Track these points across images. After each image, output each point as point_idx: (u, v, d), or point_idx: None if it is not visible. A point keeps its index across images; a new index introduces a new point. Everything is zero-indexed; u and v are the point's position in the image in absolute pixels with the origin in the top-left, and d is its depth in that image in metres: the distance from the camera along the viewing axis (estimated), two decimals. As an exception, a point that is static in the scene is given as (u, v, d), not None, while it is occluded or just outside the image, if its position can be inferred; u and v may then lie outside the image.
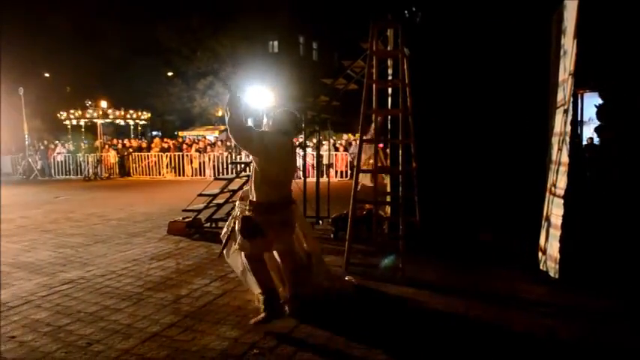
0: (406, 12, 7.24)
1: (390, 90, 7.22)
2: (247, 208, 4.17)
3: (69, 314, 4.53)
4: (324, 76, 9.32)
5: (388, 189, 7.41)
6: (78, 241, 7.88)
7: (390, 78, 7.17)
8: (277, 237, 4.22)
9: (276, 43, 40.50)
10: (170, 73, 35.85)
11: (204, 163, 21.73)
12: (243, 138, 4.04)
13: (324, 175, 14.59)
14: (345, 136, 23.02)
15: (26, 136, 23.77)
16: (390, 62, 7.28)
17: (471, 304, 4.66)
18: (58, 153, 24.39)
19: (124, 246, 7.44)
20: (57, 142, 26.43)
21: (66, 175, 23.72)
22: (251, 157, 4.25)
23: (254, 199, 4.13)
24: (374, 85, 6.11)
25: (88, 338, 3.97)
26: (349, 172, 20.20)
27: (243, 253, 4.26)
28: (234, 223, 4.27)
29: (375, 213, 6.64)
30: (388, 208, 7.63)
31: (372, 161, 7.03)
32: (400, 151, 6.26)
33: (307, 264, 4.61)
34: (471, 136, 6.80)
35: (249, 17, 34.57)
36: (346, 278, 5.31)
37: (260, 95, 26.96)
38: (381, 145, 7.80)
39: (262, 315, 4.16)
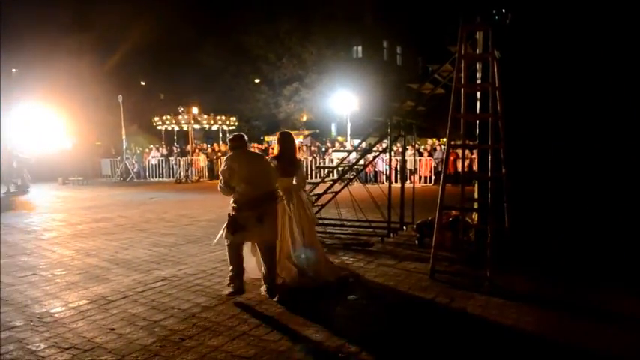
0: (495, 13, 7.04)
1: (478, 94, 7.04)
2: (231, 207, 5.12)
3: (163, 310, 4.77)
4: (408, 80, 9.25)
5: (476, 195, 7.22)
6: (171, 240, 8.26)
7: (478, 81, 6.99)
8: (257, 231, 5.07)
9: (360, 48, 40.59)
10: (257, 80, 36.83)
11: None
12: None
13: (408, 181, 14.40)
14: (429, 141, 22.66)
15: (124, 140, 25.24)
16: (478, 65, 7.10)
17: (564, 319, 4.45)
18: (153, 157, 25.69)
19: (214, 246, 7.70)
20: (151, 146, 27.85)
21: (159, 177, 24.94)
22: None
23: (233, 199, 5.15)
24: (462, 89, 5.98)
25: (181, 333, 4.16)
26: (433, 177, 19.90)
27: (225, 240, 5.19)
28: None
29: (461, 220, 6.49)
30: (475, 215, 7.43)
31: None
32: (489, 157, 6.07)
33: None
34: (565, 141, 6.48)
35: (334, 23, 34.89)
36: (342, 274, 5.79)
37: (344, 100, 27.16)
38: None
39: (229, 290, 5.16)
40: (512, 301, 4.90)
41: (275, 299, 4.99)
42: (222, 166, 5.24)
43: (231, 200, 5.15)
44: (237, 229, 5.05)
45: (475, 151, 15.27)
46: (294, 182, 5.70)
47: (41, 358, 3.74)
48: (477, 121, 6.90)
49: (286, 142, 5.78)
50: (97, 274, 6.10)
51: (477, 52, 6.95)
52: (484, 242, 5.88)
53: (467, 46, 6.36)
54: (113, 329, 4.29)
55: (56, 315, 4.67)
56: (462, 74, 5.96)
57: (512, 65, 6.61)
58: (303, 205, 5.72)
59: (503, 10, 7.00)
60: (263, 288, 5.21)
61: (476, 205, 7.06)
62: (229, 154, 5.34)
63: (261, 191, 5.10)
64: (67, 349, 3.90)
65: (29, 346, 3.96)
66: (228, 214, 5.12)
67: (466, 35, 6.12)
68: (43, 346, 3.97)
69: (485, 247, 5.73)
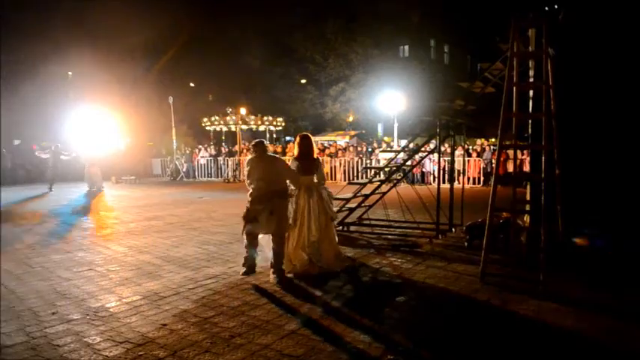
0: (547, 9, 6.84)
1: (531, 92, 6.85)
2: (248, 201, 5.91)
3: (213, 307, 4.85)
4: (456, 79, 9.11)
5: (527, 197, 7.03)
6: (220, 239, 8.39)
7: (531, 80, 6.81)
8: (267, 222, 5.79)
9: (406, 47, 40.21)
10: (303, 81, 37.05)
11: (335, 167, 22.13)
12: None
13: (456, 182, 14.18)
14: (478, 141, 22.23)
15: (174, 140, 25.80)
16: (531, 63, 6.92)
17: (621, 326, 4.29)
18: (202, 157, 26.16)
19: (261, 246, 7.78)
20: (200, 146, 28.39)
21: (208, 177, 25.38)
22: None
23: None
24: (514, 88, 5.84)
25: (230, 331, 4.22)
26: (482, 178, 19.53)
27: (244, 229, 5.91)
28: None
29: (512, 222, 6.34)
30: (527, 217, 7.24)
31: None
32: (543, 157, 5.90)
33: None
34: (623, 141, 6.24)
35: (381, 23, 34.72)
36: (348, 264, 6.43)
37: (391, 100, 26.98)
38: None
39: (244, 270, 5.96)
40: (567, 306, 4.76)
41: (280, 286, 5.52)
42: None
43: (248, 194, 5.93)
44: (250, 219, 5.83)
45: (525, 152, 14.93)
46: (314, 180, 6.30)
47: (97, 351, 3.87)
48: (530, 121, 6.73)
49: (304, 144, 6.35)
50: (150, 271, 6.26)
51: (530, 49, 6.78)
52: (536, 245, 5.73)
53: (519, 44, 6.20)
54: (165, 325, 4.39)
55: (111, 309, 4.82)
56: (514, 72, 5.82)
57: (567, 62, 6.41)
58: (323, 202, 6.28)
59: (556, 6, 6.80)
60: (272, 277, 5.76)
61: (528, 207, 6.88)
62: (250, 156, 6.10)
63: (271, 188, 5.79)
64: (121, 343, 4.02)
65: (85, 339, 4.09)
66: (246, 207, 5.90)
67: (518, 32, 5.96)
68: (98, 339, 4.10)
69: (538, 251, 5.57)
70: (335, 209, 6.80)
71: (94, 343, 4.03)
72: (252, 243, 5.94)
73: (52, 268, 6.47)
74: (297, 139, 6.47)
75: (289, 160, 6.58)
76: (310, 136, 6.54)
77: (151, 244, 8.00)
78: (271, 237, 5.89)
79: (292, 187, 6.17)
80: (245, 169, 6.10)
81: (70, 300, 5.14)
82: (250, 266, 5.97)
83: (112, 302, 5.05)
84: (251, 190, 5.90)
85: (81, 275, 6.12)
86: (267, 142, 6.22)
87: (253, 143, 6.13)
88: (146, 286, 5.61)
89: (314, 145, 6.44)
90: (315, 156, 6.40)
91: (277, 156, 6.48)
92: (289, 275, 5.95)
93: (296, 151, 6.38)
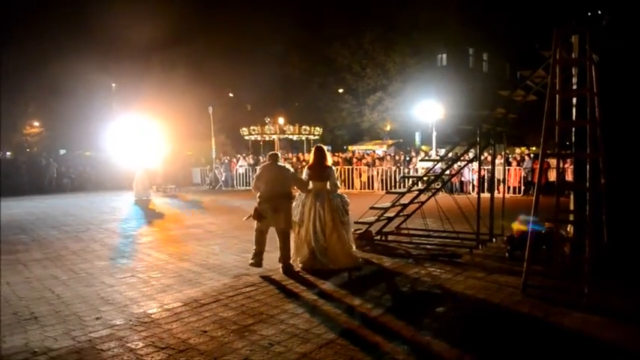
0: (590, 15, 6.70)
1: (574, 100, 6.70)
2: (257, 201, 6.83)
3: (252, 315, 4.88)
4: (495, 87, 8.98)
5: (571, 206, 6.86)
6: (258, 247, 8.45)
7: (574, 87, 6.66)
8: (273, 219, 6.73)
9: (444, 56, 39.89)
10: (341, 90, 37.13)
11: (372, 176, 22.03)
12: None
13: (496, 191, 13.94)
14: (517, 150, 21.83)
15: (213, 149, 26.18)
16: (574, 70, 6.77)
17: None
18: (240, 166, 26.45)
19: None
20: (238, 155, 28.73)
21: (246, 186, 25.60)
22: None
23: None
24: (557, 96, 5.73)
25: (269, 339, 4.24)
26: (522, 187, 19.15)
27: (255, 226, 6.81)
28: None
29: (555, 232, 6.19)
30: (570, 228, 7.06)
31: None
32: (587, 166, 5.76)
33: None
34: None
35: (418, 32, 34.57)
36: (358, 263, 6.99)
37: (428, 109, 26.78)
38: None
39: (251, 261, 6.71)
40: (613, 320, 4.62)
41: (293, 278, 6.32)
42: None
43: (257, 196, 6.83)
44: (259, 217, 6.74)
45: (568, 160, 14.58)
46: (327, 186, 7.07)
47: (139, 357, 3.94)
48: (573, 129, 6.58)
49: (317, 154, 7.19)
50: (190, 278, 6.36)
51: (573, 56, 6.64)
52: (580, 256, 5.58)
53: (562, 51, 6.09)
54: (205, 332, 4.45)
55: (153, 315, 4.91)
56: (557, 80, 5.71)
57: (611, 69, 6.25)
58: (332, 208, 6.94)
59: (599, 12, 6.65)
60: (281, 268, 6.68)
61: (571, 217, 6.71)
62: (264, 164, 7.22)
63: (276, 191, 6.72)
64: (162, 348, 4.09)
65: (128, 345, 4.18)
66: (254, 207, 6.81)
67: (561, 39, 5.85)
68: (141, 344, 4.18)
69: (582, 262, 5.42)
70: (349, 214, 7.31)
71: (137, 348, 4.11)
72: (260, 239, 6.79)
73: (96, 275, 6.64)
74: (313, 149, 7.44)
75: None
76: (323, 147, 7.42)
77: (191, 252, 8.12)
78: (277, 232, 6.82)
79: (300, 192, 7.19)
80: (256, 173, 7.11)
81: (113, 306, 5.26)
82: (258, 261, 6.72)
83: (153, 308, 5.15)
84: (260, 193, 6.82)
85: (124, 282, 6.26)
86: (279, 154, 7.36)
87: (269, 154, 7.22)
88: (187, 293, 5.70)
89: (327, 155, 7.24)
90: (328, 165, 7.18)
91: (285, 166, 7.26)
92: (298, 269, 6.73)
93: (310, 160, 7.30)
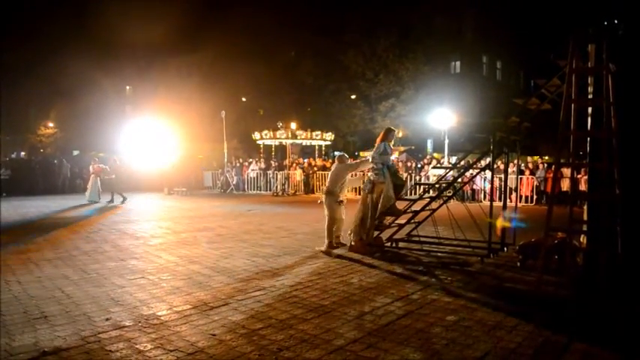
0: (606, 24, 6.62)
1: (589, 109, 6.63)
2: None
3: (261, 319, 4.86)
4: (508, 95, 8.94)
5: (585, 217, 6.77)
6: (268, 251, 8.45)
7: (590, 96, 6.59)
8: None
9: (458, 63, 39.83)
10: (354, 96, 37.14)
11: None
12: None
13: (508, 200, 13.84)
14: (529, 159, 21.65)
15: (225, 153, 26.28)
16: (590, 80, 6.70)
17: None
18: (252, 170, 26.51)
19: (310, 259, 7.80)
20: (250, 159, 28.79)
21: (257, 190, 25.68)
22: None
23: None
24: (572, 105, 5.67)
25: (278, 344, 4.22)
26: (535, 196, 19.01)
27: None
28: None
29: (568, 242, 6.12)
30: (584, 238, 6.97)
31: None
32: (602, 176, 5.69)
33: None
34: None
35: (432, 39, 34.55)
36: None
37: (441, 116, 26.71)
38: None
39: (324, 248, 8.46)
40: (626, 332, 4.54)
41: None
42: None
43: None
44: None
45: (582, 170, 14.45)
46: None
47: (147, 359, 3.94)
48: (588, 139, 6.51)
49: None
50: (200, 281, 6.36)
51: (589, 64, 6.58)
52: (594, 267, 5.51)
53: (578, 60, 6.03)
54: (214, 335, 4.43)
55: (162, 318, 4.91)
56: (573, 89, 5.65)
57: (628, 79, 6.18)
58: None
59: (615, 21, 6.58)
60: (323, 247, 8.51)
61: (585, 228, 6.62)
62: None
63: (327, 187, 8.79)
64: (171, 351, 4.08)
65: (137, 346, 4.18)
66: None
67: (577, 48, 5.79)
68: (149, 346, 4.17)
69: (595, 273, 5.35)
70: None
71: (145, 350, 4.10)
72: (330, 228, 8.62)
73: (106, 275, 6.66)
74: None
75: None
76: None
77: (202, 255, 8.13)
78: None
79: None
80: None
81: (123, 307, 5.27)
82: (330, 247, 8.48)
83: (163, 310, 5.15)
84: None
85: (134, 283, 6.27)
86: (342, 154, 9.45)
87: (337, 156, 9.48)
88: (196, 295, 5.69)
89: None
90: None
91: (339, 164, 8.97)
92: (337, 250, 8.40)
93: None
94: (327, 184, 8.98)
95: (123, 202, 17.77)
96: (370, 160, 8.67)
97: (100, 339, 4.33)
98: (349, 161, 9.34)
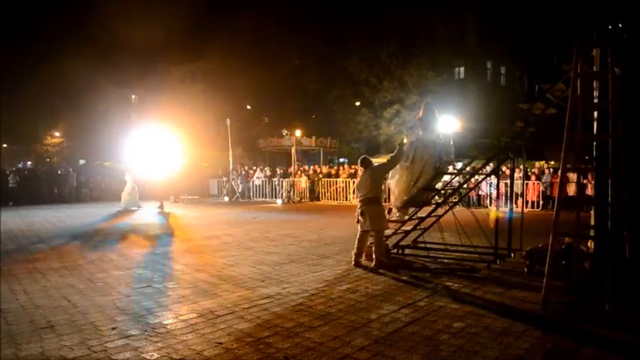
0: (610, 28, 6.61)
1: (595, 114, 6.61)
2: None
3: (268, 327, 4.85)
4: (512, 100, 8.92)
5: (592, 221, 6.74)
6: (274, 259, 8.44)
7: (595, 100, 6.57)
8: (363, 221, 7.75)
9: (462, 69, 39.84)
10: (358, 103, 37.16)
11: (389, 189, 21.88)
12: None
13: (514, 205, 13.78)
14: (536, 164, 21.57)
15: (230, 161, 26.34)
16: (595, 84, 6.69)
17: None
18: (257, 177, 26.54)
19: (316, 267, 7.78)
20: (255, 167, 28.83)
21: (262, 197, 25.69)
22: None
23: None
24: (578, 109, 5.65)
25: (284, 352, 4.20)
26: (541, 202, 18.94)
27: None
28: None
29: (575, 247, 6.09)
30: (591, 243, 6.93)
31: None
32: (609, 181, 5.66)
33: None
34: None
35: (436, 45, 34.55)
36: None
37: (446, 122, 26.64)
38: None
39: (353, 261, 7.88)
40: (635, 338, 4.50)
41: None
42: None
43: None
44: (356, 219, 7.83)
45: (588, 175, 14.38)
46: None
47: (154, 367, 3.93)
48: (594, 143, 6.48)
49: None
50: (206, 289, 6.35)
51: (594, 69, 6.56)
52: (601, 272, 5.47)
53: (583, 64, 6.02)
54: (220, 344, 4.42)
55: (168, 326, 4.90)
56: (578, 93, 5.64)
57: (633, 83, 6.16)
58: None
59: (620, 25, 6.57)
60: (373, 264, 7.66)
61: (592, 232, 6.59)
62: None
63: (361, 194, 7.83)
64: (177, 360, 4.07)
65: (144, 355, 4.17)
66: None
67: (582, 53, 5.79)
68: (156, 355, 4.16)
69: (603, 278, 5.32)
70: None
71: (152, 359, 4.09)
72: (361, 240, 7.79)
73: (112, 284, 6.66)
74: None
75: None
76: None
77: (207, 263, 8.13)
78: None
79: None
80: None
81: (129, 315, 5.26)
82: (356, 260, 7.77)
83: (169, 319, 5.14)
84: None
85: (140, 292, 6.27)
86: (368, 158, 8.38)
87: (360, 159, 8.30)
88: (202, 304, 5.68)
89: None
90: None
91: (376, 166, 8.31)
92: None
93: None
94: (365, 192, 7.81)
95: (138, 209, 18.50)
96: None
97: (106, 348, 4.33)
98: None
